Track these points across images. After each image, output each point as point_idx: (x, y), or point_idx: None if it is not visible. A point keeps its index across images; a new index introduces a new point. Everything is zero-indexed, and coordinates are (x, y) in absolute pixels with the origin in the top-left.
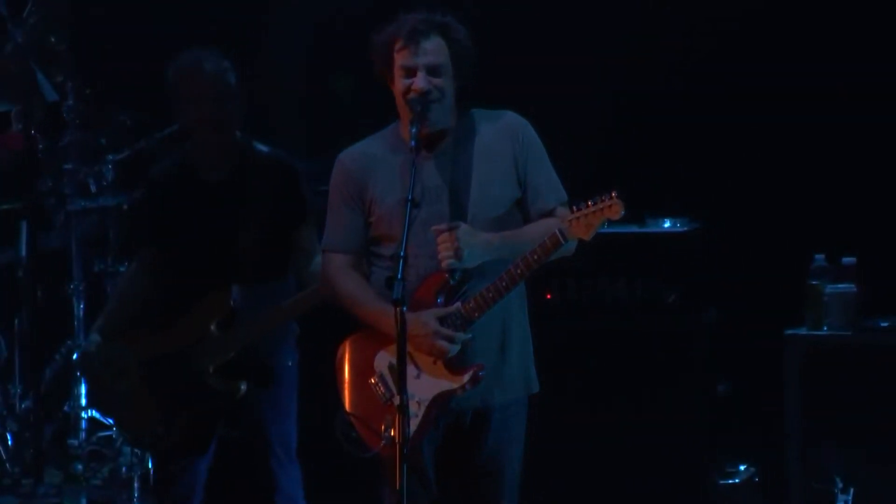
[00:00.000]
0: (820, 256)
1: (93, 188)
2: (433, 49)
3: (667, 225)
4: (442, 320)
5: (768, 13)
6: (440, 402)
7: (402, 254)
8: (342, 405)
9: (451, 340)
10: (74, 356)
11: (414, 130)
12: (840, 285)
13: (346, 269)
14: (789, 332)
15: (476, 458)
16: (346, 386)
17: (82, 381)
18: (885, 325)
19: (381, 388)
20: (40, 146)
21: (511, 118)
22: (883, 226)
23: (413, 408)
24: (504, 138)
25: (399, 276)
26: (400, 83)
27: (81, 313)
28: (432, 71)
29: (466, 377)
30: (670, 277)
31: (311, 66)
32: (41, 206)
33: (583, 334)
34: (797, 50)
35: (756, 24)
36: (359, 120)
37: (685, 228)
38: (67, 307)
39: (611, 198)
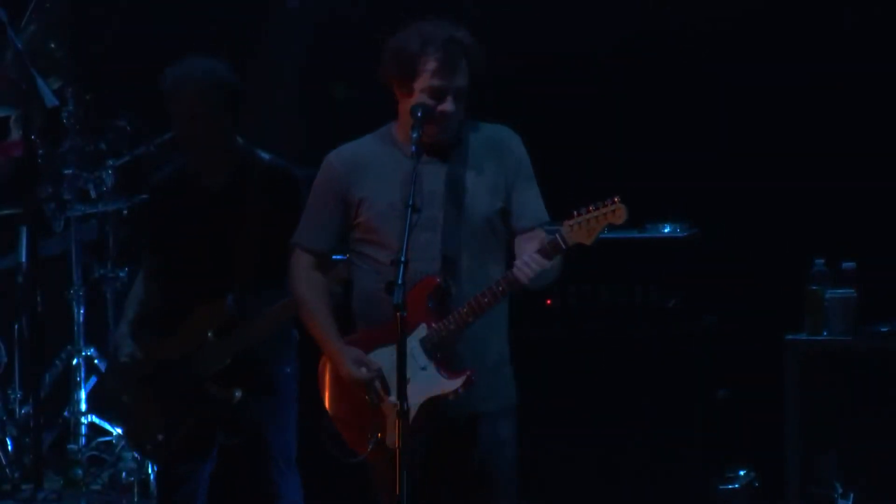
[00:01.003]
0: (820, 261)
1: (93, 194)
2: (462, 73)
3: (666, 230)
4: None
5: (765, 14)
6: (430, 407)
7: (402, 259)
8: (326, 410)
9: (377, 397)
10: (74, 355)
11: (415, 136)
12: (840, 290)
13: (309, 271)
14: (789, 336)
15: (468, 463)
16: (332, 390)
17: (82, 386)
18: (885, 329)
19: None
20: (40, 152)
21: (504, 133)
22: (882, 230)
23: None
24: (496, 152)
25: (400, 280)
26: (420, 97)
27: (81, 319)
28: (457, 94)
29: (458, 382)
30: (670, 283)
31: (309, 68)
32: (41, 211)
33: (583, 340)
34: (796, 52)
35: (754, 26)
36: (356, 124)
37: (685, 233)
38: (67, 313)
39: (613, 202)
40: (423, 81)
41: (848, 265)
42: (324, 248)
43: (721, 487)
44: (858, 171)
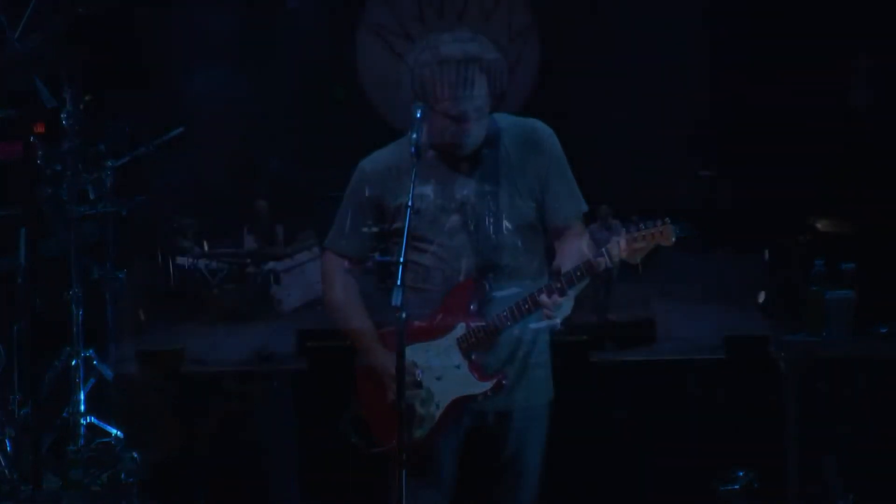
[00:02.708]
0: (819, 262)
1: (92, 195)
2: (478, 91)
3: None
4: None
5: (767, 16)
6: (458, 406)
7: (401, 260)
8: (356, 400)
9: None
10: (73, 356)
11: (415, 137)
12: (839, 291)
13: (340, 271)
14: (789, 337)
15: (498, 457)
16: (368, 384)
17: (81, 387)
18: (884, 330)
19: None
20: (39, 153)
21: (537, 128)
22: (882, 230)
23: (430, 409)
24: (529, 149)
25: (399, 282)
26: (441, 121)
27: (80, 320)
28: (478, 111)
29: (488, 385)
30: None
31: (308, 68)
32: (41, 211)
33: (582, 339)
34: (796, 49)
35: (753, 26)
36: (356, 125)
37: (684, 234)
38: (66, 314)
39: (664, 223)
40: (441, 107)
41: (847, 266)
42: (357, 253)
43: (721, 488)
44: (859, 172)
